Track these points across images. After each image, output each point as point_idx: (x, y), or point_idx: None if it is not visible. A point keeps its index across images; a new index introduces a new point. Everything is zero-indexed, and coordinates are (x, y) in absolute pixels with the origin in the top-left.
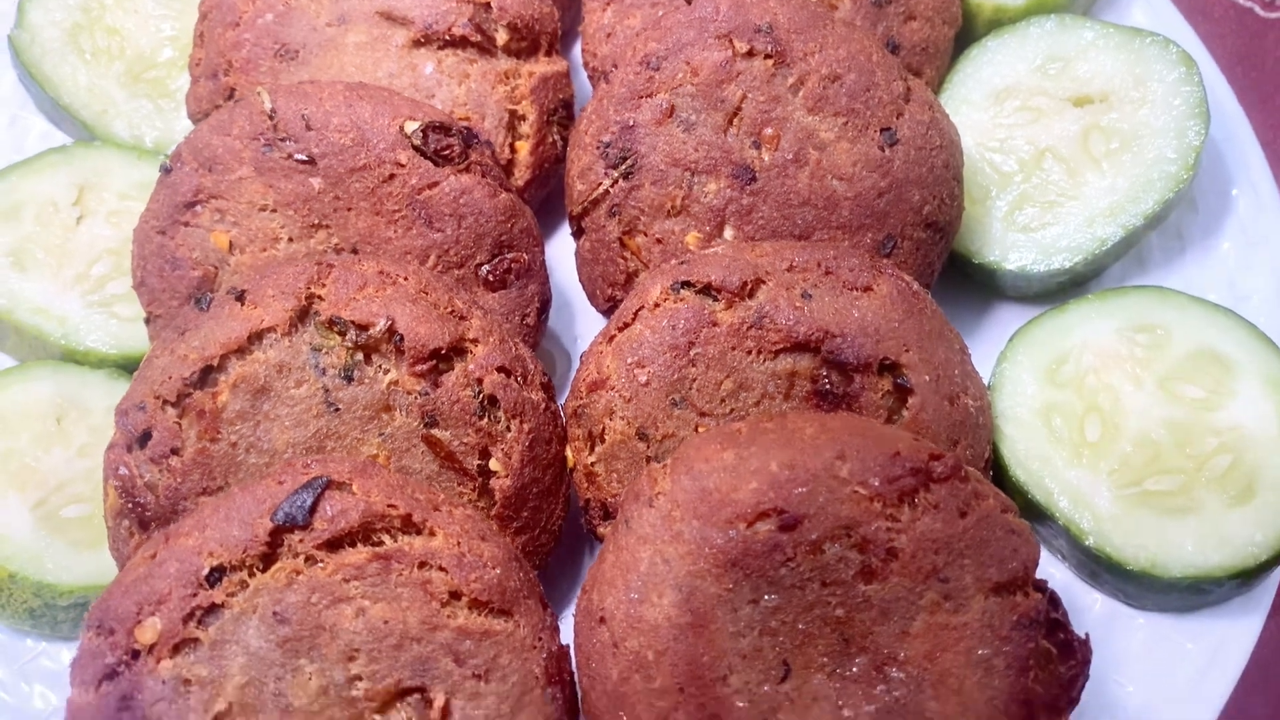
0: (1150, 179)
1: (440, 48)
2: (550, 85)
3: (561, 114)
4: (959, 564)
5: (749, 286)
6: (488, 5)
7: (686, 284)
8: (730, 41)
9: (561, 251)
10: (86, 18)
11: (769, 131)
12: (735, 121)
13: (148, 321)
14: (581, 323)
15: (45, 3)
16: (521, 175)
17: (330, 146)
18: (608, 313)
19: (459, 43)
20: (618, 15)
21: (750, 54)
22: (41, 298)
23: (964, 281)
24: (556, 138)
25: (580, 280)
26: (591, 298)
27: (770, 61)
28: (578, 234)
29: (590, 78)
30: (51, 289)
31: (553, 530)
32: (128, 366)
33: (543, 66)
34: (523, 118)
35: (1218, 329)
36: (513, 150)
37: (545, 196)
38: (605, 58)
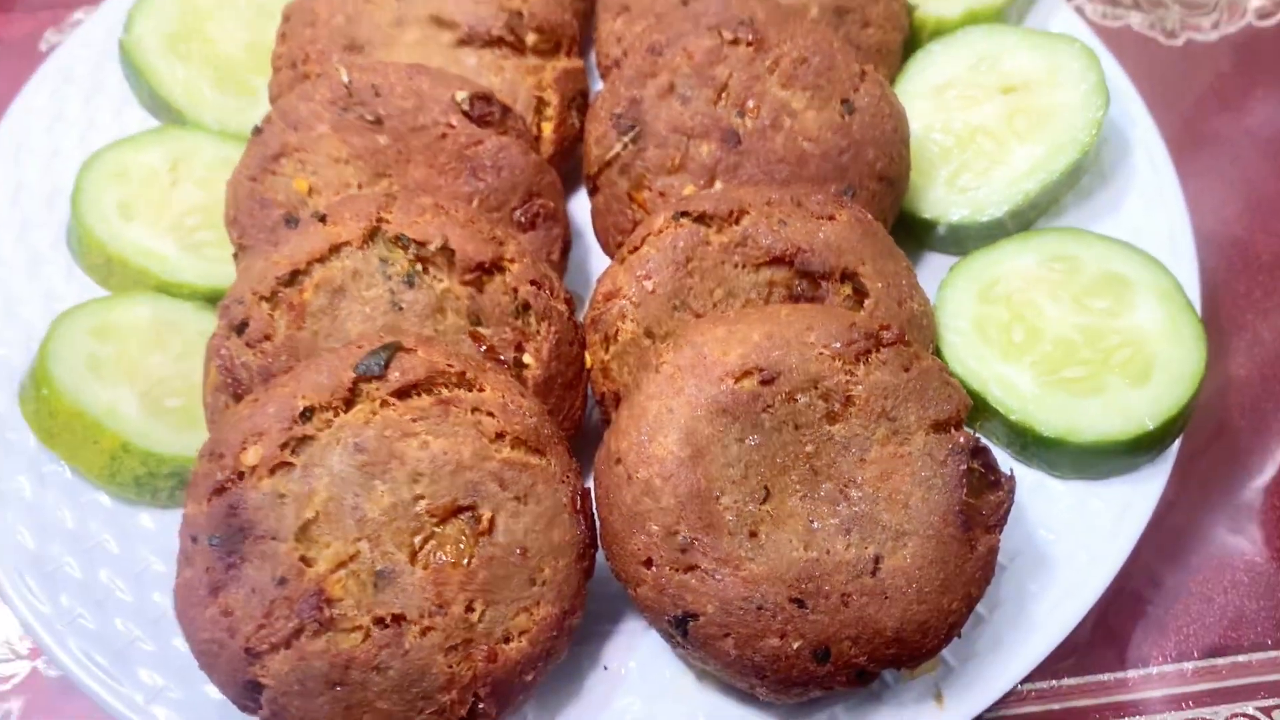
0: (1062, 144)
1: (481, 46)
2: (570, 77)
3: (579, 101)
4: (904, 407)
5: (735, 214)
6: (520, 13)
7: (685, 214)
8: (719, 32)
9: (579, 215)
10: (183, 27)
11: (751, 103)
12: (723, 95)
13: (236, 256)
14: (596, 269)
15: (149, 15)
16: (546, 150)
17: (395, 110)
18: (617, 248)
19: (496, 43)
20: (626, 24)
21: (735, 42)
22: (144, 241)
23: (914, 242)
24: (575, 120)
25: (595, 231)
26: (604, 246)
27: (751, 48)
28: (593, 192)
29: (602, 75)
30: (152, 234)
31: (574, 419)
32: (211, 298)
33: (564, 63)
34: (547, 103)
35: (1120, 256)
36: (539, 130)
37: (565, 171)
38: (617, 59)
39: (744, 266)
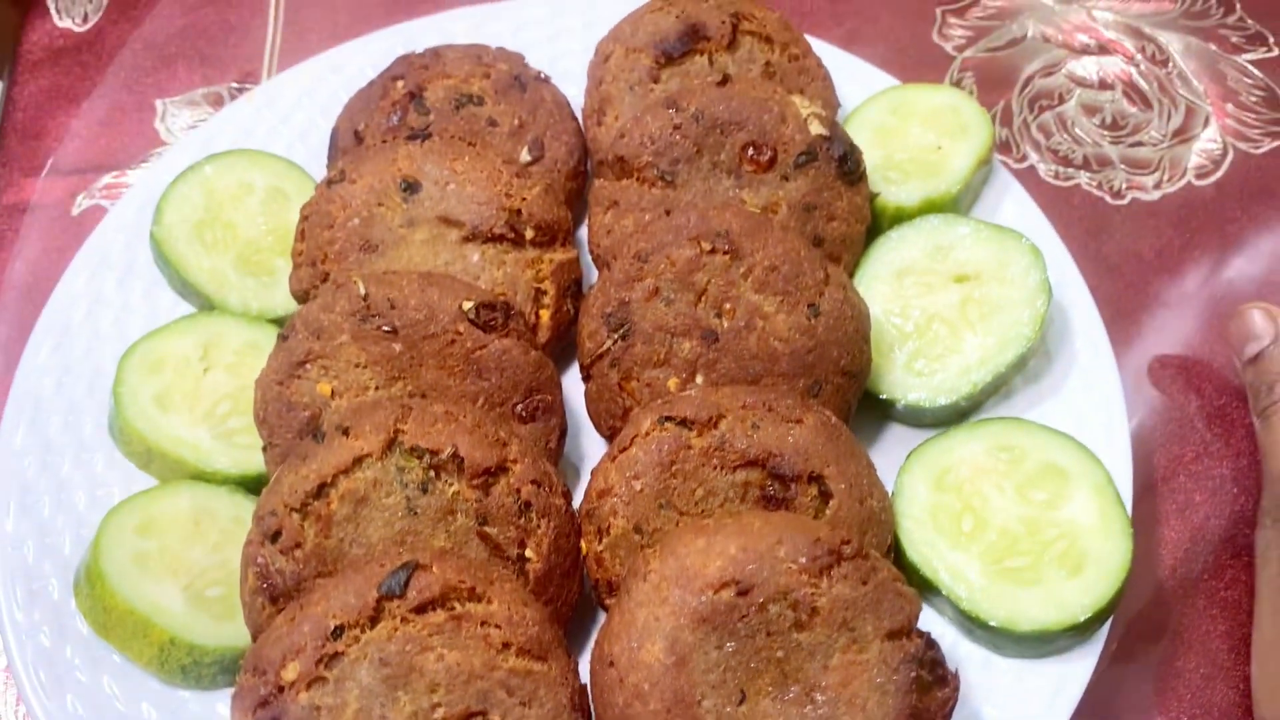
0: (1009, 338)
1: (484, 242)
2: (565, 269)
3: (573, 289)
4: (862, 618)
5: (713, 420)
6: (520, 211)
7: (669, 419)
8: (699, 242)
9: (572, 387)
10: (208, 215)
11: (727, 306)
12: (703, 299)
13: (265, 450)
14: (588, 441)
15: (177, 205)
16: (544, 335)
17: (408, 321)
18: (609, 437)
19: (498, 239)
20: (615, 217)
21: (713, 251)
22: (179, 431)
23: (875, 413)
24: (570, 307)
25: (588, 414)
26: (597, 427)
27: (727, 256)
28: (586, 379)
29: (595, 261)
30: (187, 425)
31: (571, 603)
32: (244, 484)
33: (559, 255)
34: (545, 292)
35: (1059, 449)
36: (537, 317)
37: (562, 349)
38: (606, 248)
39: (722, 468)
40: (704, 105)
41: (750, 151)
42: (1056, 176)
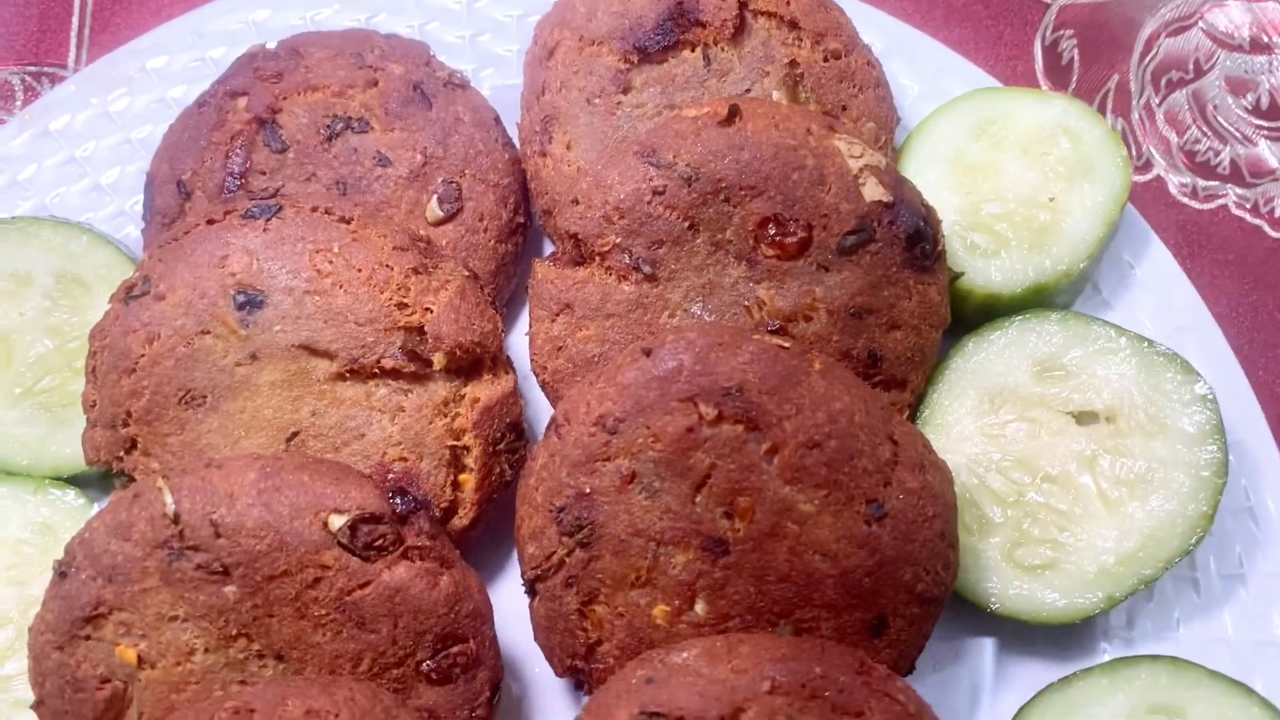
0: (1165, 525)
1: (368, 379)
2: (495, 413)
3: (510, 439)
4: None
5: (726, 719)
6: (420, 329)
7: (655, 715)
8: (695, 404)
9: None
10: None
11: (742, 502)
12: (704, 490)
13: None
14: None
15: None
16: (466, 515)
17: (244, 555)
18: (568, 672)
19: (390, 373)
20: (567, 327)
21: (719, 419)
22: None
23: (951, 614)
24: (506, 466)
25: (536, 641)
26: (549, 661)
27: (741, 426)
28: (531, 595)
29: (541, 387)
30: None
31: None
32: None
33: (486, 389)
34: (466, 450)
35: (1239, 710)
36: (456, 487)
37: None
38: (556, 374)
39: None
40: (700, 157)
41: (772, 229)
42: (1194, 194)
